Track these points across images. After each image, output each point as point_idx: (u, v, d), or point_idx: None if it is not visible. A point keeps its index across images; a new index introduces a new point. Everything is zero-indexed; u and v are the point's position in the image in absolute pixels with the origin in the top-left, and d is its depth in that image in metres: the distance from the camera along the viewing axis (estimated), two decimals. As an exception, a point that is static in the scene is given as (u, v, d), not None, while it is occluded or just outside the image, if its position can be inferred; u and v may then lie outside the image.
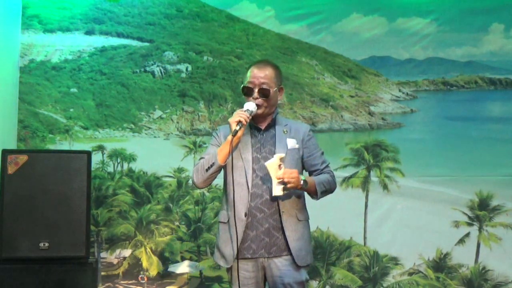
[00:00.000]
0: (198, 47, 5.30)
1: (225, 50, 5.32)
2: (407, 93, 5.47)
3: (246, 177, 2.90)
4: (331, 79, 5.42)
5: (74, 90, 5.18)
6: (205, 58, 5.30)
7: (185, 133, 5.24)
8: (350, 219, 5.04)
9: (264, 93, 2.92)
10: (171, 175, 5.12)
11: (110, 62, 5.25)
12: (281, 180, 2.77)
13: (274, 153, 2.86)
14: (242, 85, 2.97)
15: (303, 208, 3.03)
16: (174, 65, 5.28)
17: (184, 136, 5.23)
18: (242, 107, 2.90)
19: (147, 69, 5.27)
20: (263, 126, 3.00)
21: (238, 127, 2.80)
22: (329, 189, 3.00)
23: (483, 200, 5.05)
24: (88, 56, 5.23)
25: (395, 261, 5.01)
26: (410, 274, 5.00)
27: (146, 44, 5.32)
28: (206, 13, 5.34)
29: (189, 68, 5.28)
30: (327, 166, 3.05)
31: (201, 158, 2.98)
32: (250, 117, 2.88)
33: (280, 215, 2.90)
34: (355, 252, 5.02)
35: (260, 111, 2.93)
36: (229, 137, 2.82)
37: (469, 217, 5.04)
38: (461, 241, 5.02)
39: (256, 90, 2.92)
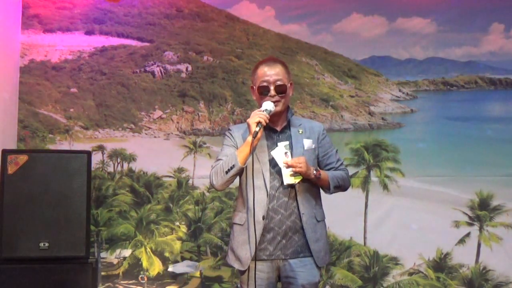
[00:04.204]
0: (198, 47, 5.30)
1: (225, 50, 5.31)
2: (407, 93, 5.47)
3: (264, 179, 2.87)
4: (331, 79, 5.42)
5: (74, 90, 5.18)
6: (205, 58, 5.29)
7: (185, 133, 5.23)
8: (350, 219, 5.03)
9: (281, 89, 2.89)
10: (171, 175, 5.12)
11: (110, 62, 5.25)
12: (288, 165, 2.75)
13: (291, 155, 2.82)
14: (257, 86, 2.90)
15: (321, 208, 3.02)
16: (174, 65, 5.27)
17: (184, 136, 5.23)
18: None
19: (147, 69, 5.26)
20: (278, 127, 2.96)
21: (258, 128, 2.74)
22: (342, 185, 2.99)
23: (484, 200, 5.04)
24: (88, 56, 5.23)
25: (395, 261, 5.00)
26: (410, 274, 5.00)
27: (146, 44, 5.32)
28: (206, 13, 5.34)
29: (189, 68, 5.28)
30: (342, 164, 3.04)
31: (218, 159, 2.91)
32: (269, 117, 2.81)
33: (300, 216, 2.87)
34: (355, 252, 5.01)
35: (278, 108, 2.88)
36: (249, 139, 2.75)
37: (470, 217, 5.04)
38: (462, 241, 5.01)
39: (272, 87, 2.88)
